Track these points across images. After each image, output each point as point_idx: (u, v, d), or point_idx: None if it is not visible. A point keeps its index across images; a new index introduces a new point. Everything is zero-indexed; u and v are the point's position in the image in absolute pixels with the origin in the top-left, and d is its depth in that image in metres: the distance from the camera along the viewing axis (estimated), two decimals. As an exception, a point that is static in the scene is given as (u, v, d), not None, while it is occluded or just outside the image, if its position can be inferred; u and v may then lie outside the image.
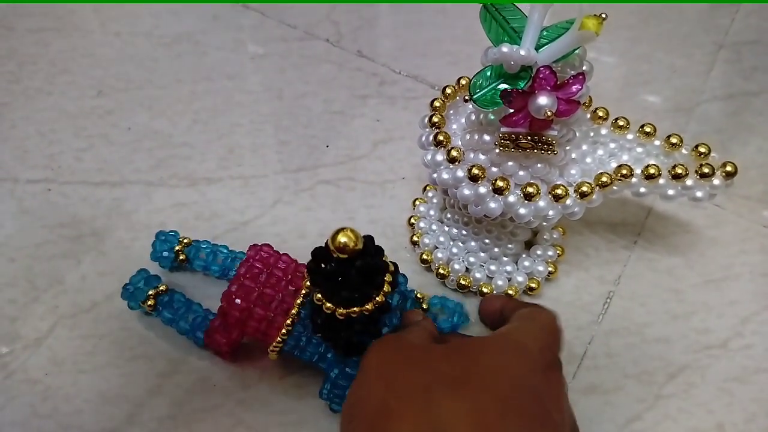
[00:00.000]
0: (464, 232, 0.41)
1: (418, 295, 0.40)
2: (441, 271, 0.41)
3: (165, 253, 0.41)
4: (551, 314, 0.33)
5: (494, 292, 0.40)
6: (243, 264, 0.36)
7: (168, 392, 0.38)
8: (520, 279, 0.40)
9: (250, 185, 0.48)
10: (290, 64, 0.57)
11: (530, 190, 0.33)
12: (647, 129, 0.36)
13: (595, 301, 0.42)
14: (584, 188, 0.33)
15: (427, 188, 0.45)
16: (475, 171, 0.33)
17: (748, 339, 0.41)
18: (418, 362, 0.28)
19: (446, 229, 0.42)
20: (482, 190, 0.34)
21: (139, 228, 0.45)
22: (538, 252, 0.41)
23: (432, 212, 0.43)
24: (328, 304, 0.31)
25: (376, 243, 0.31)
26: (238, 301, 0.35)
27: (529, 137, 0.32)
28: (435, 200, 0.43)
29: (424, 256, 0.42)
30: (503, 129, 0.32)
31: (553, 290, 0.43)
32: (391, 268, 0.32)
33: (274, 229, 0.45)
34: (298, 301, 0.35)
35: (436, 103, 0.37)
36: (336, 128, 0.52)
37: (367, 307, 0.31)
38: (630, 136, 0.37)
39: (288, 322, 0.34)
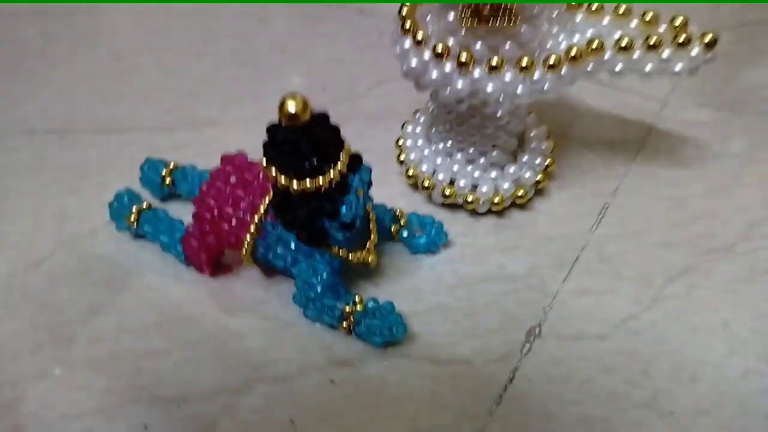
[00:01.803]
0: (449, 144, 0.40)
1: (397, 213, 0.39)
2: (425, 183, 0.40)
3: (153, 178, 0.42)
4: None
5: (479, 201, 0.39)
6: (215, 170, 0.37)
7: (152, 304, 0.38)
8: (506, 185, 0.39)
9: (250, 127, 0.49)
10: (295, 24, 0.59)
11: (495, 62, 0.32)
12: (621, 10, 0.35)
13: (589, 212, 0.40)
14: (552, 60, 0.32)
15: (417, 112, 0.44)
16: (439, 49, 0.33)
17: (756, 243, 0.38)
18: None
19: (433, 147, 0.41)
20: (448, 68, 0.33)
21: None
22: (524, 159, 0.40)
23: (419, 130, 0.43)
24: (282, 179, 0.30)
25: (362, 160, 0.32)
26: (210, 201, 0.36)
27: (489, 6, 0.31)
28: (422, 120, 0.43)
29: (410, 172, 0.41)
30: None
31: (545, 203, 0.41)
32: (351, 150, 0.32)
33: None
34: (267, 199, 0.35)
35: (404, 9, 0.37)
36: (336, 72, 0.53)
37: (319, 181, 0.30)
38: (606, 20, 0.36)
39: (256, 218, 0.35)
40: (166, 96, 0.53)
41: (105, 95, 0.53)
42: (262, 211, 0.35)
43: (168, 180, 0.42)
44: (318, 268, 0.35)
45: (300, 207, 0.31)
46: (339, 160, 0.31)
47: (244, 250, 0.36)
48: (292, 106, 0.29)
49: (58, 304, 0.38)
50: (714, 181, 0.41)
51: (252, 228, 0.35)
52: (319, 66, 0.54)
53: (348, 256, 0.35)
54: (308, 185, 0.30)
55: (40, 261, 0.41)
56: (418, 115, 0.44)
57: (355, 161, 0.32)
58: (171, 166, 0.42)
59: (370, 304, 0.35)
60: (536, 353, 0.34)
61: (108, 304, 0.38)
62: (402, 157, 0.42)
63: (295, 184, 0.30)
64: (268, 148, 0.30)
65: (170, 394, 0.34)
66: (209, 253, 0.37)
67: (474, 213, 0.41)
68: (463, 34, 0.34)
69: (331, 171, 0.30)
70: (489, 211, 0.40)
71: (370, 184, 0.33)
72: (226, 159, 0.37)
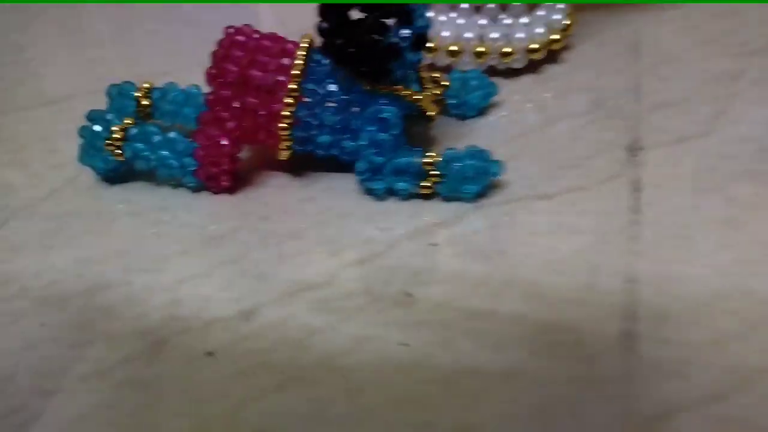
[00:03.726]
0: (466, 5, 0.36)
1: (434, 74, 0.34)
2: (452, 48, 0.36)
3: (124, 105, 0.34)
4: None
5: (517, 51, 0.35)
6: (221, 42, 0.30)
7: (171, 233, 0.30)
8: (540, 29, 0.35)
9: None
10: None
11: None
12: None
13: (625, 48, 0.38)
14: None
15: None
16: None
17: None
18: None
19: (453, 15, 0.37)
20: None
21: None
22: (540, 13, 0.36)
23: None
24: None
25: None
26: (230, 67, 0.28)
27: None
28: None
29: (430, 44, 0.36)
30: None
31: (572, 54, 0.38)
32: None
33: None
34: (300, 53, 0.29)
35: None
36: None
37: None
38: None
39: (292, 80, 0.28)
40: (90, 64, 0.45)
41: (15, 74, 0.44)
42: (299, 62, 0.28)
43: (145, 103, 0.34)
44: (386, 117, 0.28)
45: (367, 13, 0.25)
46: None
47: (282, 125, 0.29)
48: None
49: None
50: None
51: (290, 98, 0.28)
52: None
53: (414, 97, 0.29)
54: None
55: (-7, 226, 0.31)
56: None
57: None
58: (146, 86, 0.34)
59: (449, 153, 0.29)
60: (648, 161, 0.30)
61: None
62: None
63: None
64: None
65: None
66: (235, 150, 0.30)
67: (509, 73, 0.36)
68: None
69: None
70: (522, 69, 0.36)
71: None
72: (231, 29, 0.30)
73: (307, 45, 0.29)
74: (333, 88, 0.29)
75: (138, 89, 0.34)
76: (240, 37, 0.29)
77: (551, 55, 0.37)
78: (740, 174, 0.28)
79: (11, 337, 0.26)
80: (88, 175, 0.34)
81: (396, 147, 0.28)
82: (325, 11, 0.26)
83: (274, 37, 0.30)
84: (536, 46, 0.35)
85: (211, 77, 0.29)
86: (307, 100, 0.29)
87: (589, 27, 0.39)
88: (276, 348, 0.24)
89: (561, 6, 0.37)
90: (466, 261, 0.26)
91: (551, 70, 0.37)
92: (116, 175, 0.33)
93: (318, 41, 0.29)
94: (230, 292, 0.26)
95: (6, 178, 0.35)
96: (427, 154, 0.28)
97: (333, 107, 0.29)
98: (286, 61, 0.29)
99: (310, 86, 0.29)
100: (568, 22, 0.37)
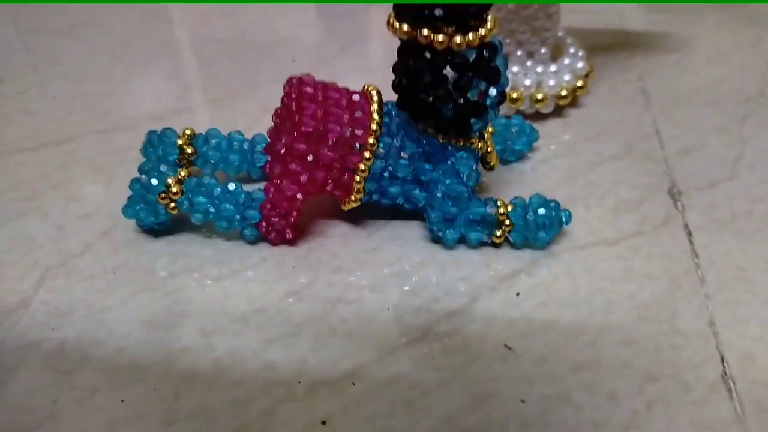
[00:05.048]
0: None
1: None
2: (486, 94, 0.37)
3: (164, 155, 0.32)
4: None
5: (548, 97, 0.37)
6: (287, 93, 0.29)
7: (240, 290, 0.28)
8: (567, 77, 0.37)
9: (227, 104, 0.41)
10: (213, 16, 0.52)
11: None
12: None
13: (634, 93, 0.40)
14: None
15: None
16: None
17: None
18: None
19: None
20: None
21: (110, 167, 0.36)
22: (566, 62, 0.38)
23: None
24: (440, 37, 0.25)
25: None
26: (308, 121, 0.28)
27: None
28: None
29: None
30: None
31: (590, 98, 0.40)
32: None
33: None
34: (375, 107, 0.28)
35: None
36: (294, 48, 0.47)
37: (483, 31, 0.25)
38: None
39: (371, 135, 0.28)
40: (95, 101, 0.42)
41: (10, 117, 0.41)
42: (376, 117, 0.28)
43: (189, 150, 0.32)
44: (463, 169, 0.29)
45: (461, 72, 0.26)
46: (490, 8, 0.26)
47: (358, 178, 0.28)
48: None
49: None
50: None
51: (371, 141, 0.28)
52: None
53: (488, 148, 0.30)
54: (472, 38, 0.25)
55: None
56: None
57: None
58: (189, 133, 0.33)
59: (519, 201, 0.30)
60: (690, 206, 0.32)
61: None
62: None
63: (458, 39, 0.25)
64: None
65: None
66: (303, 203, 0.29)
67: (536, 117, 0.38)
68: None
69: (489, 21, 0.26)
70: (548, 114, 0.38)
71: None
72: (295, 80, 0.29)
73: (377, 98, 0.29)
74: (407, 141, 0.29)
75: (180, 136, 0.32)
76: (308, 89, 0.29)
77: (572, 99, 0.39)
78: (773, 217, 0.31)
79: (90, 416, 0.24)
80: (124, 227, 0.32)
81: (470, 197, 0.29)
82: (415, 67, 0.26)
83: (336, 88, 0.30)
84: (565, 93, 0.37)
85: (280, 129, 0.29)
86: (382, 152, 0.29)
87: (598, 71, 0.42)
88: (392, 410, 0.23)
89: (581, 53, 0.39)
90: (554, 310, 0.27)
91: (574, 114, 0.39)
92: (162, 227, 0.31)
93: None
94: (325, 352, 0.26)
95: (27, 229, 0.32)
96: (498, 204, 0.29)
97: (406, 160, 0.29)
98: (358, 113, 0.29)
99: (387, 140, 0.29)
100: (589, 69, 0.39)
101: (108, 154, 0.37)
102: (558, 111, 0.38)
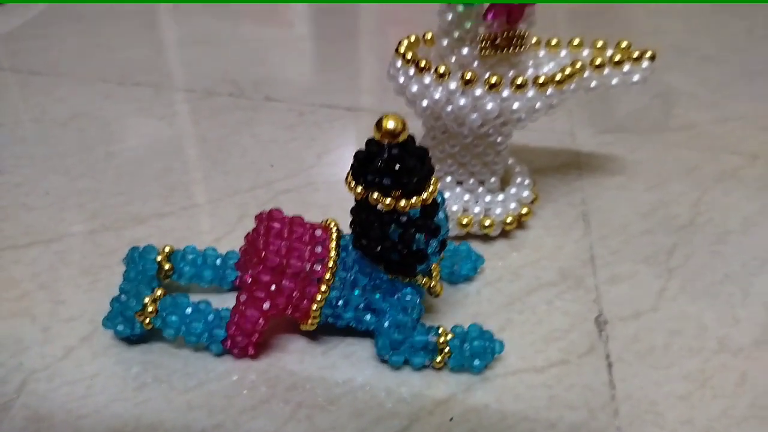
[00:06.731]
0: (448, 179, 0.42)
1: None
2: (440, 218, 0.41)
3: (147, 268, 0.36)
4: None
5: (495, 223, 0.41)
6: (256, 228, 0.33)
7: (203, 404, 0.32)
8: (512, 205, 0.42)
9: (207, 210, 0.45)
10: (201, 116, 0.56)
11: (494, 80, 0.35)
12: (575, 42, 0.42)
13: (575, 218, 0.45)
14: (541, 79, 0.36)
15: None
16: (469, 75, 0.35)
17: (703, 212, 0.46)
18: None
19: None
20: (478, 92, 0.36)
21: (95, 270, 0.39)
22: (512, 191, 0.43)
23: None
24: (387, 200, 0.29)
25: None
26: (273, 257, 0.32)
27: (503, 34, 0.35)
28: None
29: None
30: (481, 30, 0.35)
31: (537, 220, 0.44)
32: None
33: (251, 238, 0.42)
34: (333, 245, 0.32)
35: (401, 48, 0.39)
36: (274, 152, 0.51)
37: (424, 195, 0.30)
38: (563, 53, 0.42)
39: (328, 271, 0.32)
40: (86, 199, 0.45)
41: (6, 211, 0.44)
42: (333, 255, 0.32)
43: (167, 267, 0.36)
44: (408, 304, 0.33)
45: (405, 229, 0.30)
46: (433, 173, 0.30)
47: (314, 306, 0.32)
48: (391, 124, 0.28)
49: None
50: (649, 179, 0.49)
51: (327, 276, 0.32)
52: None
53: (431, 284, 0.34)
54: (414, 202, 0.29)
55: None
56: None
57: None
58: (167, 250, 0.36)
59: (458, 330, 0.34)
60: (613, 336, 0.36)
61: (147, 419, 0.30)
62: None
63: (403, 203, 0.29)
64: (369, 168, 0.29)
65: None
66: (265, 325, 0.33)
67: (485, 239, 0.42)
68: (475, 65, 0.37)
69: (431, 186, 0.30)
70: (496, 236, 0.42)
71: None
72: (263, 215, 0.33)
73: (335, 235, 0.33)
74: (360, 275, 0.33)
75: (160, 252, 0.36)
76: (275, 224, 0.33)
77: (518, 223, 0.43)
78: (686, 351, 0.35)
79: None
80: (103, 333, 0.35)
81: (413, 327, 0.33)
82: (367, 221, 0.30)
83: (301, 222, 0.34)
84: (510, 220, 0.41)
85: (247, 262, 0.32)
86: (337, 284, 0.32)
87: (545, 193, 0.46)
88: None
89: (527, 182, 0.43)
90: (484, 430, 0.31)
91: (519, 236, 0.43)
92: (137, 338, 0.34)
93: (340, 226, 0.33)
94: (274, 470, 0.29)
95: (15, 330, 0.35)
96: (439, 332, 0.33)
97: (359, 290, 0.33)
98: (318, 249, 0.32)
99: (342, 274, 0.32)
100: (534, 197, 0.43)
101: (94, 256, 0.40)
102: (505, 233, 0.43)
